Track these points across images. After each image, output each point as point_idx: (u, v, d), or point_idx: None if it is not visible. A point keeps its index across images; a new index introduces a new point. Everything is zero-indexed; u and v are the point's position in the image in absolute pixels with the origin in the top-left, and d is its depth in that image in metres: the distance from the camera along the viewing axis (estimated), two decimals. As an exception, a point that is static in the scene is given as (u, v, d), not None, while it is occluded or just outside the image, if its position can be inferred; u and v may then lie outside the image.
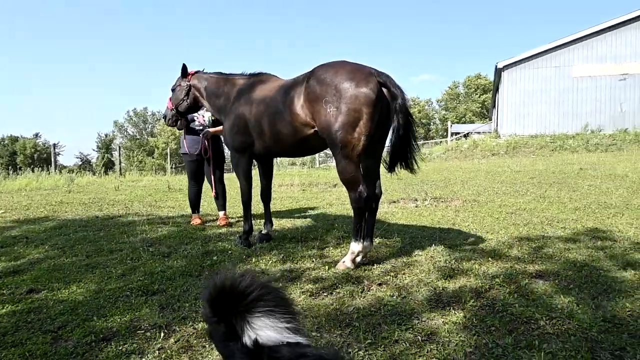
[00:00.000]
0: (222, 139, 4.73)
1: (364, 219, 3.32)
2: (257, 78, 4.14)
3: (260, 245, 4.13)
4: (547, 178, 9.43)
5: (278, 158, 6.51)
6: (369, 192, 3.26)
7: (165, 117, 4.96)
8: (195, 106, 4.73)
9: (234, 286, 1.10)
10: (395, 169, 3.44)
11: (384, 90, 3.15)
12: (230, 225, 5.35)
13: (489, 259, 3.41)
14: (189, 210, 6.09)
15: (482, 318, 2.32)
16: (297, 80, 3.56)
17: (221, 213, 5.57)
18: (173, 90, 4.75)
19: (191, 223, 5.46)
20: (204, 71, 4.59)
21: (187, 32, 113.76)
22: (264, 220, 4.51)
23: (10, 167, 19.33)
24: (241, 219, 5.73)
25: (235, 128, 4.00)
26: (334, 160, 3.37)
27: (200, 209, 5.81)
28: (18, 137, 55.69)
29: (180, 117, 4.90)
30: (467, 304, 2.52)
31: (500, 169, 12.03)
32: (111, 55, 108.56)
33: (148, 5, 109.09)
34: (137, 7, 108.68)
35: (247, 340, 1.04)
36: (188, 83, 4.56)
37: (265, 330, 1.04)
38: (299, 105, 3.40)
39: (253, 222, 4.58)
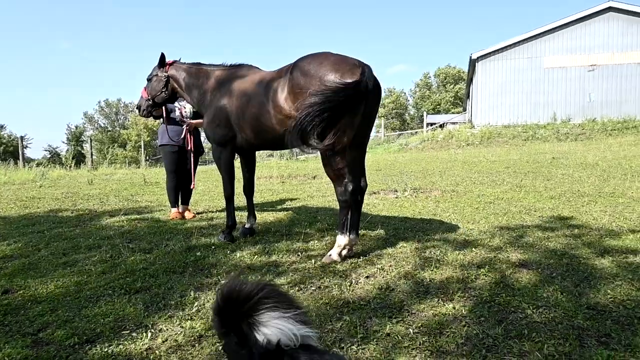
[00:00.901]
0: (203, 132, 4.64)
1: (350, 212, 3.30)
2: (238, 70, 4.04)
3: (244, 239, 4.08)
4: (522, 167, 9.65)
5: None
6: (354, 185, 3.25)
7: (139, 107, 4.75)
8: (173, 97, 4.59)
9: (236, 293, 1.11)
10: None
11: (368, 82, 3.11)
12: (211, 219, 5.26)
13: (473, 249, 3.46)
14: (168, 204, 5.97)
15: (470, 309, 2.35)
16: (280, 72, 3.50)
17: (182, 206, 5.48)
18: (149, 80, 4.57)
19: (170, 217, 5.36)
20: (182, 61, 4.44)
21: (169, 21, 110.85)
22: (247, 214, 4.45)
23: (-27, 161, 18.53)
24: (222, 212, 5.67)
25: (216, 121, 3.91)
26: (317, 153, 3.32)
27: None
28: (-19, 129, 53.39)
29: (157, 107, 4.74)
30: (455, 295, 2.54)
31: (476, 159, 12.25)
32: (80, 42, 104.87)
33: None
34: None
35: (261, 338, 1.04)
36: (166, 74, 4.39)
37: (273, 322, 1.05)
38: (283, 98, 3.34)
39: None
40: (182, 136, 5.26)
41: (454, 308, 2.37)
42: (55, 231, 4.70)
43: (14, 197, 7.66)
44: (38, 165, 16.07)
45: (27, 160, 20.98)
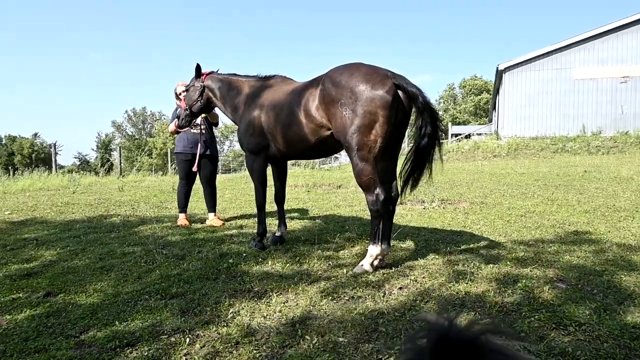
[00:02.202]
0: (237, 140, 4.77)
1: (382, 222, 3.30)
2: (272, 80, 4.15)
3: (274, 247, 4.11)
4: (552, 180, 9.43)
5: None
6: (386, 194, 3.24)
7: (178, 117, 4.91)
8: (208, 107, 4.72)
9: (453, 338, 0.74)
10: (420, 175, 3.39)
11: (400, 92, 3.14)
12: (240, 227, 5.32)
13: (507, 262, 3.40)
14: (197, 212, 6.07)
15: (510, 323, 2.31)
16: (312, 83, 3.56)
17: (211, 215, 5.59)
18: (187, 90, 4.75)
19: (178, 223, 5.46)
20: (218, 72, 4.58)
21: (187, 31, 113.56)
22: (277, 222, 4.49)
23: (9, 168, 19.26)
24: (250, 219, 5.73)
25: (250, 130, 3.99)
26: (350, 162, 3.36)
27: (188, 209, 5.83)
28: (16, 136, 55.47)
29: (195, 117, 4.88)
30: (493, 309, 2.50)
31: (504, 171, 12.03)
32: (109, 53, 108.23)
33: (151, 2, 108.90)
34: (139, 3, 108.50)
35: None
36: (202, 84, 4.53)
37: None
38: (314, 108, 3.40)
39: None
40: (196, 144, 5.50)
41: (492, 323, 2.32)
42: (90, 236, 4.83)
43: (49, 202, 7.91)
44: (70, 172, 16.58)
45: (59, 167, 21.67)
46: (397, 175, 3.50)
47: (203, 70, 4.55)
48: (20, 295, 3.00)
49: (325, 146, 3.60)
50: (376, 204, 3.19)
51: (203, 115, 5.24)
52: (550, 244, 4.00)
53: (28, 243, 4.56)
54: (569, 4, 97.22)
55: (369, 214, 3.41)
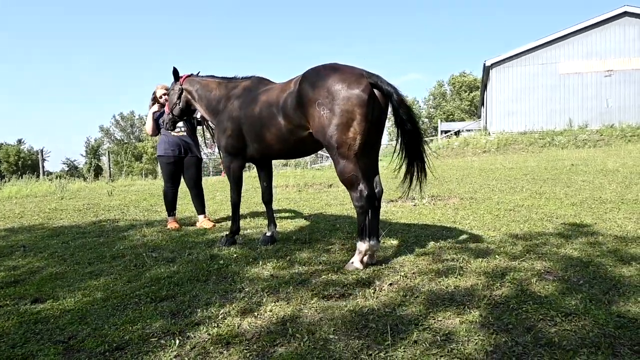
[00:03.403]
0: (207, 142, 4.83)
1: (367, 217, 3.32)
2: (249, 81, 4.22)
3: (265, 248, 4.10)
4: (540, 174, 9.53)
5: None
6: (369, 190, 3.29)
7: (163, 121, 4.94)
8: (188, 109, 4.77)
9: None
10: (413, 172, 3.56)
11: (376, 90, 3.21)
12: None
13: (496, 256, 3.43)
14: (188, 214, 6.04)
15: (497, 316, 2.33)
16: (289, 84, 3.62)
17: (201, 217, 5.59)
18: (168, 94, 4.83)
19: (168, 226, 5.44)
20: (198, 74, 4.65)
21: (178, 32, 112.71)
22: (267, 223, 4.49)
23: (-4, 175, 19.01)
24: (243, 220, 5.71)
25: (227, 131, 4.06)
26: (332, 161, 3.40)
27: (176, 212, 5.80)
28: (2, 144, 54.71)
29: (177, 121, 4.89)
30: (482, 302, 2.52)
31: (493, 166, 12.14)
32: (93, 56, 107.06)
33: (135, 4, 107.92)
34: (123, 5, 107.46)
35: None
36: (180, 86, 4.62)
37: None
38: (292, 108, 3.45)
39: (252, 223, 4.58)
40: (177, 147, 5.49)
41: (480, 315, 2.35)
42: (79, 241, 4.79)
43: (37, 209, 7.82)
44: (58, 177, 16.41)
45: (46, 174, 21.43)
46: (405, 177, 3.60)
47: (181, 74, 4.65)
48: (7, 302, 2.97)
49: (304, 146, 3.68)
50: (360, 200, 3.22)
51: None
52: (539, 237, 4.04)
53: (15, 250, 4.50)
54: (554, 1, 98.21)
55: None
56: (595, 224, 4.53)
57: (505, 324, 2.24)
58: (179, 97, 4.64)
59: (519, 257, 3.39)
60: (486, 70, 23.11)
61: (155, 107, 5.60)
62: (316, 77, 3.28)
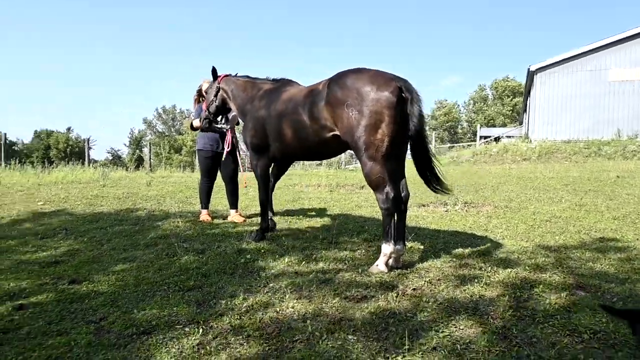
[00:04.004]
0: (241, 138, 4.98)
1: (393, 220, 3.31)
2: (279, 83, 4.38)
3: (292, 246, 4.15)
4: (582, 185, 9.15)
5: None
6: (395, 193, 3.29)
7: (200, 118, 5.18)
8: (224, 107, 4.97)
9: None
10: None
11: (403, 95, 3.22)
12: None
13: (526, 267, 3.34)
14: (220, 208, 6.18)
15: (522, 329, 2.27)
16: (317, 86, 3.71)
17: (233, 211, 5.70)
18: (206, 92, 5.11)
19: (200, 219, 5.59)
20: (236, 75, 4.85)
21: (218, 31, 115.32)
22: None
23: (45, 161, 20.05)
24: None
25: (253, 130, 4.23)
26: (359, 162, 3.43)
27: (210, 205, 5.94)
28: (53, 131, 57.57)
29: (213, 117, 5.08)
30: (506, 313, 2.47)
31: (532, 175, 11.75)
32: (140, 49, 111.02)
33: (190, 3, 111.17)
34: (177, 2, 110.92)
35: None
36: (217, 85, 4.84)
37: None
38: (320, 109, 3.52)
39: (282, 220, 4.65)
40: (216, 142, 5.60)
41: (504, 327, 2.30)
42: (116, 228, 5.00)
43: (80, 194, 8.21)
44: (102, 166, 17.14)
45: (92, 161, 22.43)
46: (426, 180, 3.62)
47: (219, 73, 4.87)
48: (47, 281, 3.15)
49: (326, 148, 3.76)
50: (386, 202, 3.22)
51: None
52: (574, 250, 3.90)
53: (57, 233, 4.76)
54: (603, 3, 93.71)
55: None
56: (637, 240, 4.32)
57: (530, 337, 2.19)
58: (216, 95, 4.86)
59: (550, 270, 3.28)
60: (530, 75, 22.35)
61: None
62: (346, 79, 3.34)
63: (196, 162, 26.01)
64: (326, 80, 3.62)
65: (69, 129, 58.20)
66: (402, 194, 3.47)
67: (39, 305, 2.71)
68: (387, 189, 3.21)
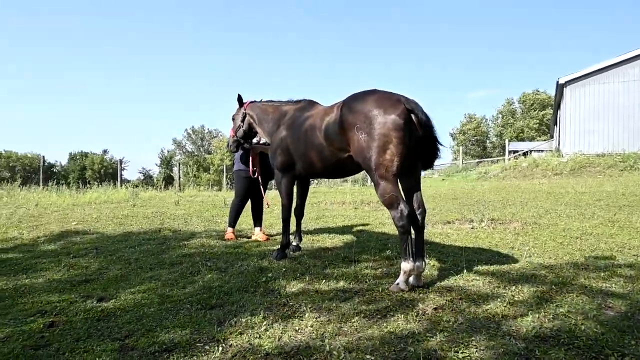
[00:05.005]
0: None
1: (410, 237, 3.30)
2: (300, 104, 4.54)
3: (313, 263, 4.17)
4: (617, 200, 8.83)
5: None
6: (410, 210, 3.29)
7: (228, 144, 5.46)
8: (250, 132, 5.21)
9: None
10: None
11: (413, 116, 3.28)
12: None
13: (552, 286, 3.25)
14: (245, 227, 6.26)
15: (545, 350, 2.21)
16: (332, 108, 3.85)
17: (257, 229, 5.77)
18: (233, 119, 5.34)
19: (225, 237, 5.70)
20: (260, 101, 5.10)
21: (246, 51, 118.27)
22: (297, 234, 4.90)
23: (80, 182, 20.85)
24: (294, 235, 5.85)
25: (278, 150, 4.39)
26: (372, 183, 3.49)
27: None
28: (88, 153, 59.82)
29: (240, 142, 5.33)
30: (530, 334, 2.41)
31: (564, 190, 11.43)
32: (168, 72, 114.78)
33: (215, 25, 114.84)
34: (202, 25, 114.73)
35: None
36: (244, 111, 5.12)
37: None
38: (334, 132, 3.65)
39: (304, 239, 4.68)
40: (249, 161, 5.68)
41: (526, 348, 2.24)
42: (144, 247, 5.15)
43: (111, 214, 8.49)
44: (134, 186, 17.70)
45: (124, 182, 23.17)
46: None
47: (245, 100, 5.16)
48: (77, 299, 3.27)
49: (345, 167, 3.86)
50: (401, 219, 3.23)
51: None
52: (605, 269, 3.76)
53: (89, 252, 4.93)
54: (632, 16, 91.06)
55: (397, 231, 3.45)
56: (674, 258, 4.13)
57: (553, 358, 2.12)
58: (243, 121, 5.13)
59: (578, 289, 3.18)
60: (559, 88, 21.89)
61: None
62: (355, 102, 3.44)
63: (224, 181, 26.49)
64: (340, 102, 3.73)
65: (105, 151, 60.42)
66: (418, 211, 3.47)
67: (69, 322, 2.81)
68: (401, 206, 3.23)
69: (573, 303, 2.87)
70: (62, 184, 16.49)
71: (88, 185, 17.62)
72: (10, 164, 49.05)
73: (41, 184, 16.60)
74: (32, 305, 3.14)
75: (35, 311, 3.02)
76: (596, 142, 20.20)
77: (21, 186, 15.27)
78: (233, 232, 5.80)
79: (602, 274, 3.59)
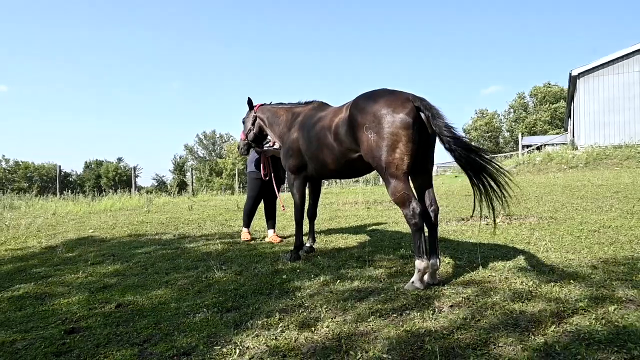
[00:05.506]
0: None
1: (423, 235, 3.28)
2: (310, 106, 4.57)
3: (327, 264, 4.17)
4: (635, 192, 8.67)
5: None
6: (421, 208, 3.28)
7: (239, 146, 5.53)
8: (261, 134, 5.24)
9: None
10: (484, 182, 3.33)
11: (422, 113, 3.23)
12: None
13: (571, 281, 3.20)
14: (258, 229, 6.29)
15: (565, 345, 2.18)
16: (341, 109, 3.84)
17: (271, 232, 5.81)
18: (243, 122, 5.38)
19: (241, 237, 5.84)
20: (270, 103, 5.12)
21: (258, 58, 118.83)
22: (313, 236, 4.90)
23: (95, 190, 21.14)
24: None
25: (290, 152, 4.42)
26: (383, 182, 3.46)
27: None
28: (103, 161, 60.73)
29: (251, 145, 5.39)
30: (548, 329, 2.37)
31: (580, 183, 11.25)
32: (180, 81, 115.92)
33: (231, 33, 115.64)
34: (214, 33, 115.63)
35: None
36: (254, 114, 5.13)
37: None
38: (343, 133, 3.65)
39: (318, 239, 4.69)
40: (260, 163, 5.74)
41: (546, 343, 2.21)
42: (159, 252, 5.20)
43: (127, 221, 8.60)
44: (148, 192, 17.89)
45: (138, 188, 23.43)
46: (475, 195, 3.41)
47: (255, 103, 5.17)
48: (96, 305, 3.32)
49: (355, 167, 3.85)
50: (413, 217, 3.21)
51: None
52: (624, 262, 3.70)
53: (106, 259, 5.00)
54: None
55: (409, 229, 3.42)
56: (696, 248, 4.04)
57: (573, 354, 2.09)
58: (253, 124, 5.16)
59: (597, 283, 3.13)
60: (572, 80, 21.59)
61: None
62: (364, 102, 3.43)
63: (236, 184, 26.65)
64: (349, 102, 3.73)
65: (119, 158, 61.26)
66: (431, 208, 3.46)
67: (89, 328, 2.85)
68: (413, 204, 3.21)
69: (593, 297, 2.82)
70: (78, 193, 16.76)
71: (103, 192, 17.87)
72: (28, 175, 50.02)
73: (58, 193, 16.89)
74: (52, 313, 3.20)
75: (56, 318, 3.07)
76: (612, 134, 19.87)
77: (39, 196, 15.55)
78: (248, 232, 5.93)
79: (621, 267, 3.53)
